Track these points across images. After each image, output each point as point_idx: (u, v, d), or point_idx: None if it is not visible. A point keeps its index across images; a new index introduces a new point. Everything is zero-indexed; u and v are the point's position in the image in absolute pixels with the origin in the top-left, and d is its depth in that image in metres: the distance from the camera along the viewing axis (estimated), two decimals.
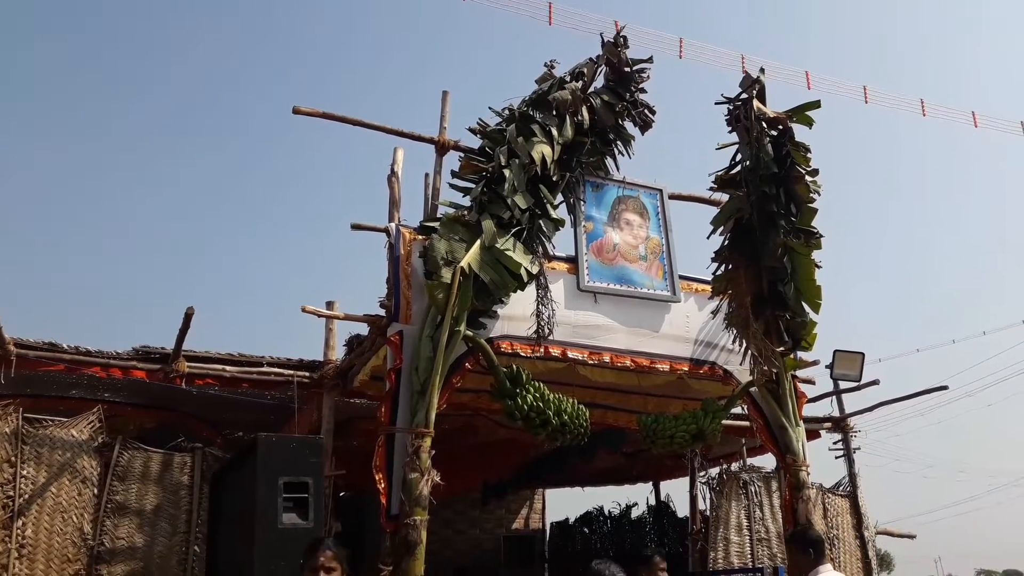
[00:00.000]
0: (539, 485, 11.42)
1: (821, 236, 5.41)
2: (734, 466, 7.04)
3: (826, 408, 7.55)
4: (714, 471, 7.09)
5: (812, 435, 7.23)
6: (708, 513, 6.80)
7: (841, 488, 7.46)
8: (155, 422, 6.01)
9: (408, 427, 4.81)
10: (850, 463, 7.49)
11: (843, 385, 7.19)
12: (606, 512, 10.89)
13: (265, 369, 5.48)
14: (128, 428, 5.69)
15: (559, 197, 5.54)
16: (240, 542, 3.93)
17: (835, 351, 6.88)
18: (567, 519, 11.78)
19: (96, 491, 4.71)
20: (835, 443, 7.81)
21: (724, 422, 5.93)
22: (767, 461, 7.40)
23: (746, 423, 6.68)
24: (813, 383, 6.47)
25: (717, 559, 6.56)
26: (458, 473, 8.03)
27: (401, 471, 4.72)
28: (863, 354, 6.89)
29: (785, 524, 5.75)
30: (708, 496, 6.80)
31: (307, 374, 5.56)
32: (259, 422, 5.72)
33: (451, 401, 5.73)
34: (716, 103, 5.75)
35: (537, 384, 5.26)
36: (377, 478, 4.70)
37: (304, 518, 3.90)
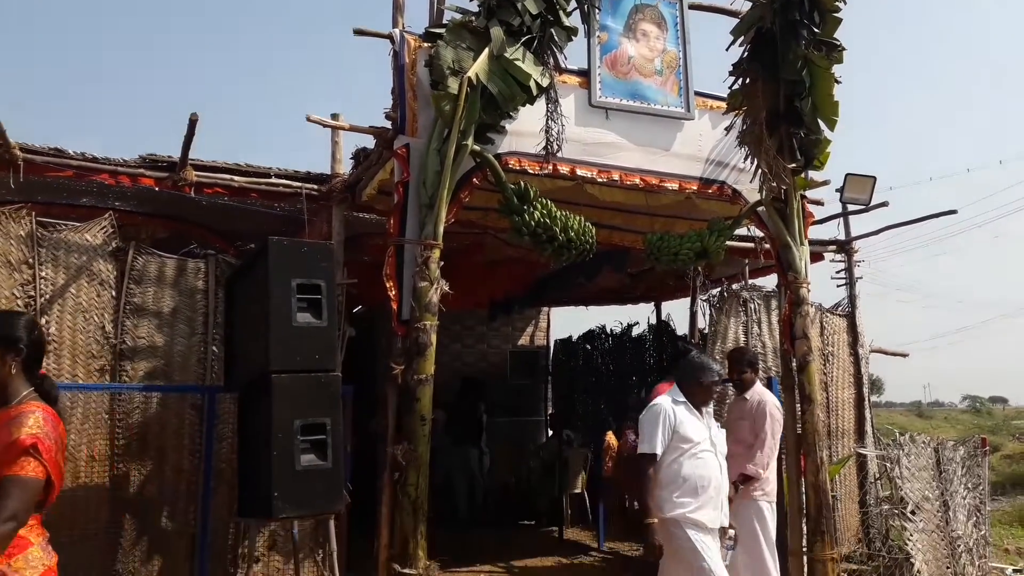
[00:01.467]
0: (544, 303, 11.75)
1: (843, 49, 5.19)
2: (735, 286, 7.17)
3: (832, 231, 7.58)
4: (715, 290, 7.23)
5: (816, 257, 7.32)
6: (707, 330, 7.01)
7: (840, 308, 7.64)
8: (167, 231, 6.08)
9: (417, 239, 4.87)
10: (851, 284, 7.61)
11: (851, 208, 7.18)
12: (608, 330, 11.28)
13: (273, 180, 5.48)
14: (140, 237, 5.77)
15: (572, 3, 5.27)
16: (256, 342, 4.08)
17: (847, 175, 6.84)
18: (570, 337, 12.24)
19: (114, 294, 4.85)
20: (838, 272, 7.93)
21: (728, 242, 5.98)
22: (768, 283, 7.57)
23: (750, 244, 6.75)
24: (822, 204, 6.47)
25: None
26: (467, 290, 8.24)
27: (411, 280, 4.84)
28: (874, 178, 6.84)
29: (782, 338, 5.94)
30: (708, 313, 6.98)
31: (315, 187, 5.55)
32: (270, 234, 5.76)
33: (459, 218, 5.77)
34: None
35: (544, 201, 5.26)
36: (388, 285, 4.83)
37: (318, 318, 4.03)
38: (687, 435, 4.29)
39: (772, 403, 5.48)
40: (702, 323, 7.29)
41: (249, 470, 4.30)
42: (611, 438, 8.79)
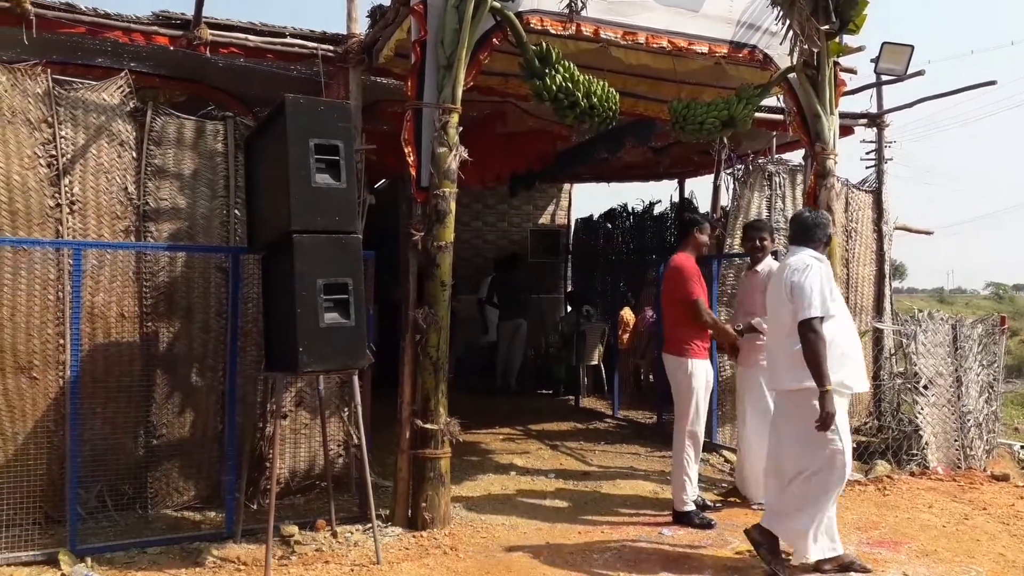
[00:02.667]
0: (566, 179, 11.64)
1: None
2: (760, 159, 7.01)
3: (864, 104, 7.33)
4: (740, 164, 7.08)
5: (846, 131, 7.11)
6: (729, 204, 6.93)
7: (867, 184, 7.48)
8: (185, 94, 6.02)
9: (435, 102, 4.78)
10: (879, 160, 7.43)
11: (885, 79, 6.90)
12: (629, 209, 11.21)
13: (289, 40, 5.33)
14: (158, 99, 5.73)
15: None
16: (277, 203, 4.08)
17: (883, 43, 6.55)
18: (591, 216, 12.20)
19: (135, 155, 4.84)
20: (868, 153, 7.73)
21: (756, 114, 5.81)
22: (796, 157, 7.40)
23: (778, 116, 6.55)
24: (854, 73, 6.21)
25: (733, 245, 6.80)
26: (487, 162, 8.16)
27: (430, 146, 4.78)
28: (912, 47, 6.55)
29: None
30: (732, 186, 6.88)
31: (331, 48, 5.41)
32: None
33: (480, 84, 5.64)
34: None
35: (567, 64, 5.11)
36: (406, 151, 4.78)
37: (337, 179, 4.01)
38: (836, 297, 4.03)
39: None
40: (725, 199, 7.20)
41: (275, 328, 4.41)
42: (627, 313, 8.89)
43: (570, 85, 5.06)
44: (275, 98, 4.15)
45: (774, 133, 6.89)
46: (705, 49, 5.44)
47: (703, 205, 9.37)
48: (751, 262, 5.50)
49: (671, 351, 5.07)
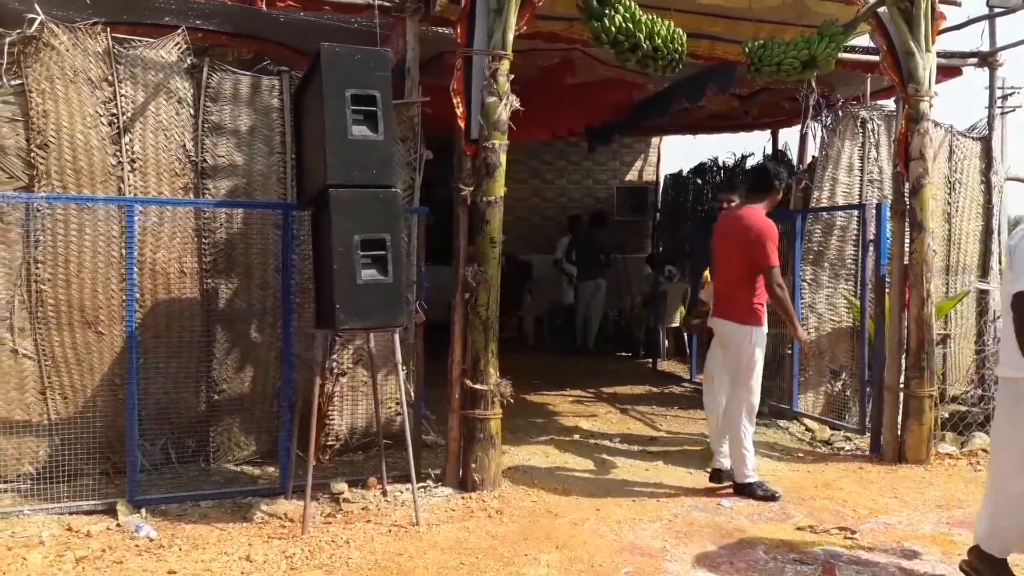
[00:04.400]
0: (650, 132, 11.19)
1: None
2: (853, 105, 6.43)
3: (975, 40, 6.52)
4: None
5: (952, 72, 6.41)
6: (818, 153, 6.41)
7: (976, 131, 6.76)
8: (251, 51, 6.03)
9: (485, 49, 4.58)
10: (991, 103, 6.67)
11: (998, 11, 6.13)
12: (720, 163, 10.66)
13: None
14: (228, 59, 5.76)
15: None
16: (317, 157, 4.00)
17: None
18: (680, 171, 11.68)
19: (192, 112, 4.87)
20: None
21: (849, 55, 5.31)
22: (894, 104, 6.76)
23: (874, 57, 5.98)
24: (958, 5, 5.54)
25: (821, 199, 6.30)
26: (557, 114, 7.88)
27: (479, 96, 4.60)
28: None
29: (896, 158, 5.34)
30: (820, 134, 6.34)
31: None
32: None
33: (543, 30, 5.39)
34: None
35: (628, 3, 4.78)
36: (455, 101, 4.62)
37: (374, 131, 3.88)
38: None
39: None
40: (814, 149, 6.68)
41: (319, 284, 4.37)
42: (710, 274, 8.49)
43: (630, 26, 4.74)
44: None
45: (868, 76, 6.29)
46: None
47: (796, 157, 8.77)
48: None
49: (732, 317, 4.65)
